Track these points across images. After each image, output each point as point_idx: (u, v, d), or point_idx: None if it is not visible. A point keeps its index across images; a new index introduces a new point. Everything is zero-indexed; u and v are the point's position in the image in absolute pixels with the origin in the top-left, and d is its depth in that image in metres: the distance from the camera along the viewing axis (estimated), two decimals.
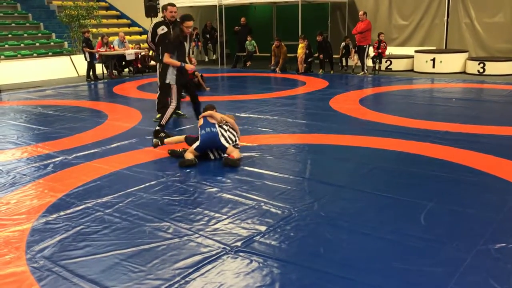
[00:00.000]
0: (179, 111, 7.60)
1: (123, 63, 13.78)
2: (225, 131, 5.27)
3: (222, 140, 5.10)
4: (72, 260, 3.09)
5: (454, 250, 3.08)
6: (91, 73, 12.76)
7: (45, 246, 3.29)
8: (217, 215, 3.75)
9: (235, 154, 5.00)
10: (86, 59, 12.64)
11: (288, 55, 13.44)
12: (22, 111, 8.53)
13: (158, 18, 15.25)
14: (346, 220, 3.59)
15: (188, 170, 4.86)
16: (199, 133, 5.17)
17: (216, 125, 5.18)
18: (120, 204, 4.00)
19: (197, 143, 5.12)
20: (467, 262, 2.92)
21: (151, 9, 14.72)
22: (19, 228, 3.61)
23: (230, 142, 5.22)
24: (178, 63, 6.03)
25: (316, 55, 12.96)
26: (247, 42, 14.68)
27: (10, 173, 4.94)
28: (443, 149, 5.37)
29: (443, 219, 3.57)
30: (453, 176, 4.50)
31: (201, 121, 5.31)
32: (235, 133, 5.42)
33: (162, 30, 6.92)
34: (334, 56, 13.01)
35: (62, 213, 3.85)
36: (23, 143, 6.21)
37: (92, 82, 12.54)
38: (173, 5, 6.95)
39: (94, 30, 15.81)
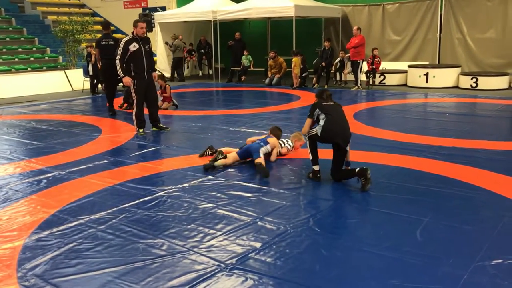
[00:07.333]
0: (161, 125, 7.63)
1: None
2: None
3: (260, 153, 5.45)
4: (64, 278, 3.04)
5: (451, 267, 3.06)
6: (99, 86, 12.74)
7: (36, 264, 3.24)
8: (211, 231, 3.71)
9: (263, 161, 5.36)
10: (89, 73, 12.54)
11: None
12: (16, 126, 8.48)
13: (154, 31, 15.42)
14: (342, 236, 3.57)
15: (182, 185, 4.84)
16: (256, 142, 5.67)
17: (268, 146, 5.60)
18: (114, 221, 3.96)
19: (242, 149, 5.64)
20: (464, 279, 2.90)
21: (146, 24, 14.77)
22: (10, 245, 3.56)
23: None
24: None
25: (318, 68, 12.99)
26: (243, 56, 14.75)
27: (2, 189, 4.88)
28: (437, 164, 5.38)
29: (439, 235, 3.56)
30: (448, 191, 4.50)
31: (262, 136, 5.85)
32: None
33: (134, 47, 6.97)
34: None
35: (54, 230, 3.80)
36: (16, 158, 6.16)
37: (100, 95, 12.45)
38: (143, 21, 7.14)
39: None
